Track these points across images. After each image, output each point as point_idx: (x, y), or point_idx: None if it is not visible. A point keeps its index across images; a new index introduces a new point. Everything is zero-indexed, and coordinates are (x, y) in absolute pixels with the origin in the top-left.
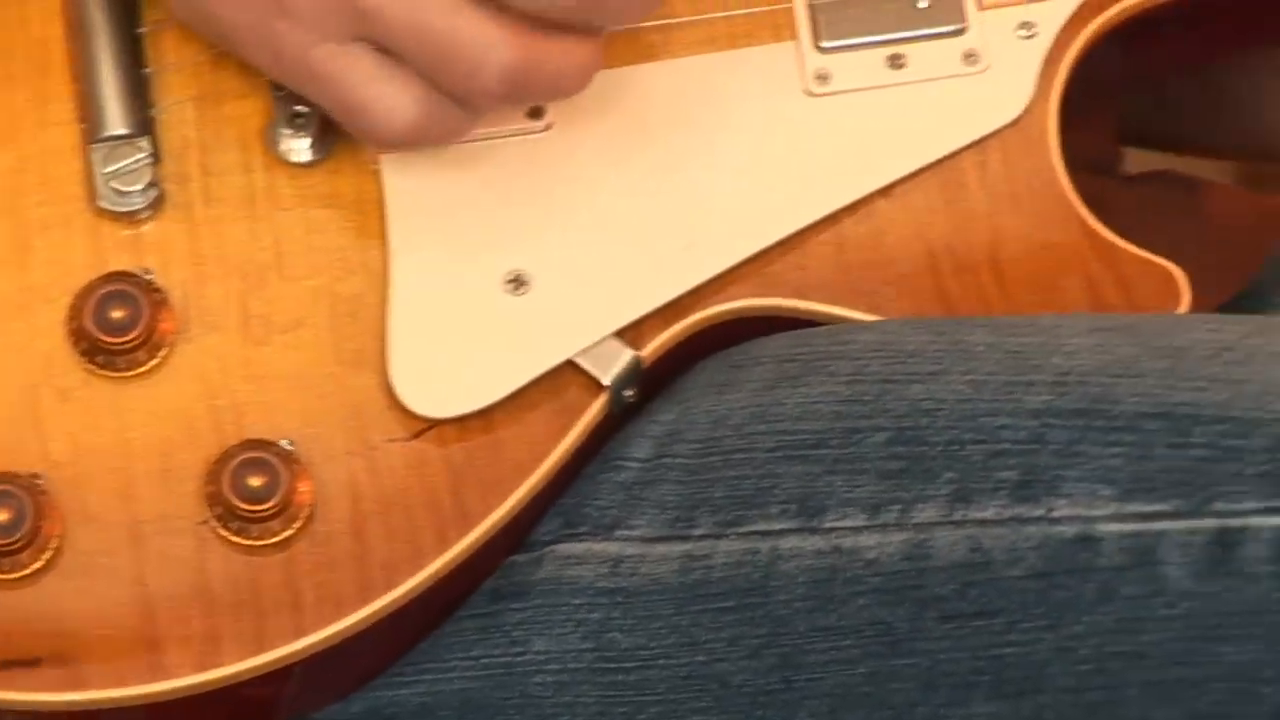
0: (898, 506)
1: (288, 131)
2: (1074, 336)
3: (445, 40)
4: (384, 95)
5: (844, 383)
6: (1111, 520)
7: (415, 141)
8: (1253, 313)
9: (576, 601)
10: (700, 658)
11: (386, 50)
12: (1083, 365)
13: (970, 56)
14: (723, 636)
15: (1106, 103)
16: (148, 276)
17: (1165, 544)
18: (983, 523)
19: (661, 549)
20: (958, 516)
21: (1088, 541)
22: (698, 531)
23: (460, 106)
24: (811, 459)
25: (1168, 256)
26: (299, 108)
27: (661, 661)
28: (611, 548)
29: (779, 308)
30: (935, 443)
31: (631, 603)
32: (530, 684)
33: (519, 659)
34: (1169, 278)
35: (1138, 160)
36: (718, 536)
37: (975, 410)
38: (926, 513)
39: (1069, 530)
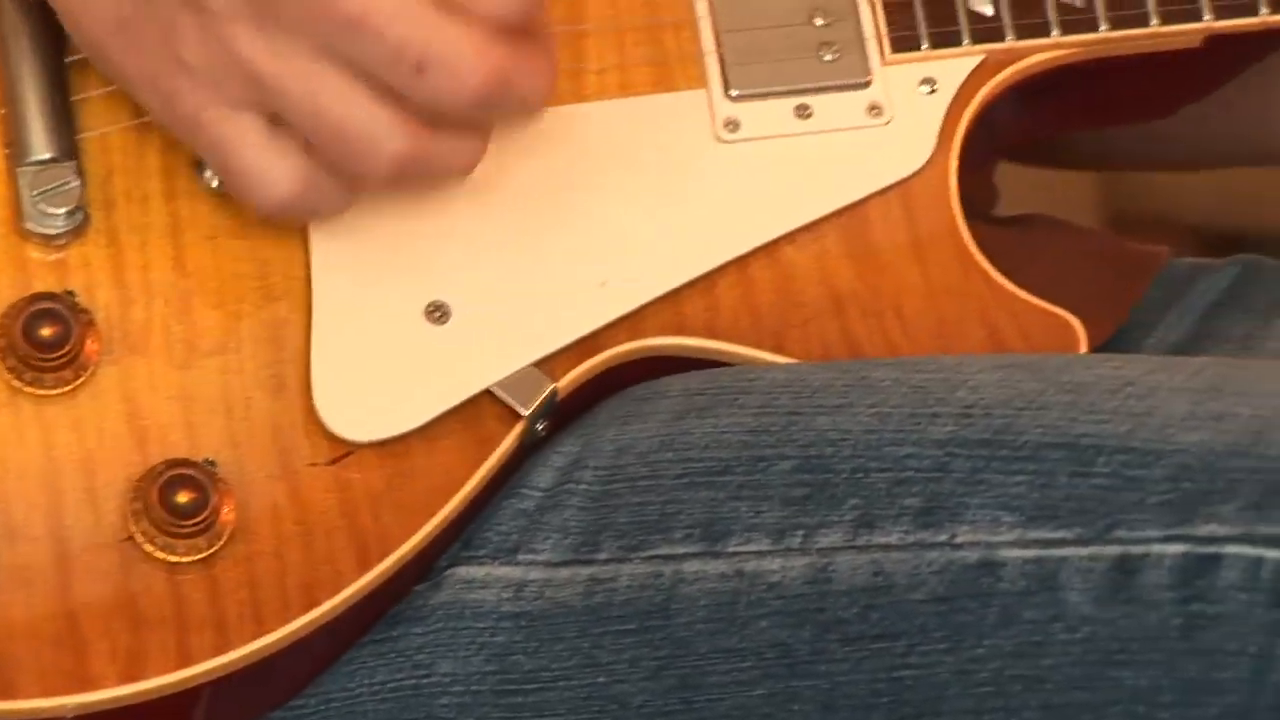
0: (801, 532)
1: None
2: (978, 372)
3: (338, 123)
4: (268, 166)
5: (751, 414)
6: (1013, 546)
7: (290, 213)
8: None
9: (480, 625)
10: (601, 679)
11: (278, 120)
12: (986, 399)
13: (874, 109)
14: (624, 658)
15: (994, 152)
16: (72, 297)
17: (1066, 570)
18: (886, 548)
19: (565, 573)
20: (861, 542)
21: (990, 567)
22: (602, 556)
23: (342, 184)
24: (717, 485)
25: (1041, 298)
26: None
27: (562, 683)
28: (514, 572)
29: (689, 347)
30: (840, 470)
31: (535, 626)
32: (435, 706)
33: (424, 681)
34: (1067, 327)
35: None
36: (621, 560)
37: (880, 440)
38: (830, 538)
39: (971, 555)
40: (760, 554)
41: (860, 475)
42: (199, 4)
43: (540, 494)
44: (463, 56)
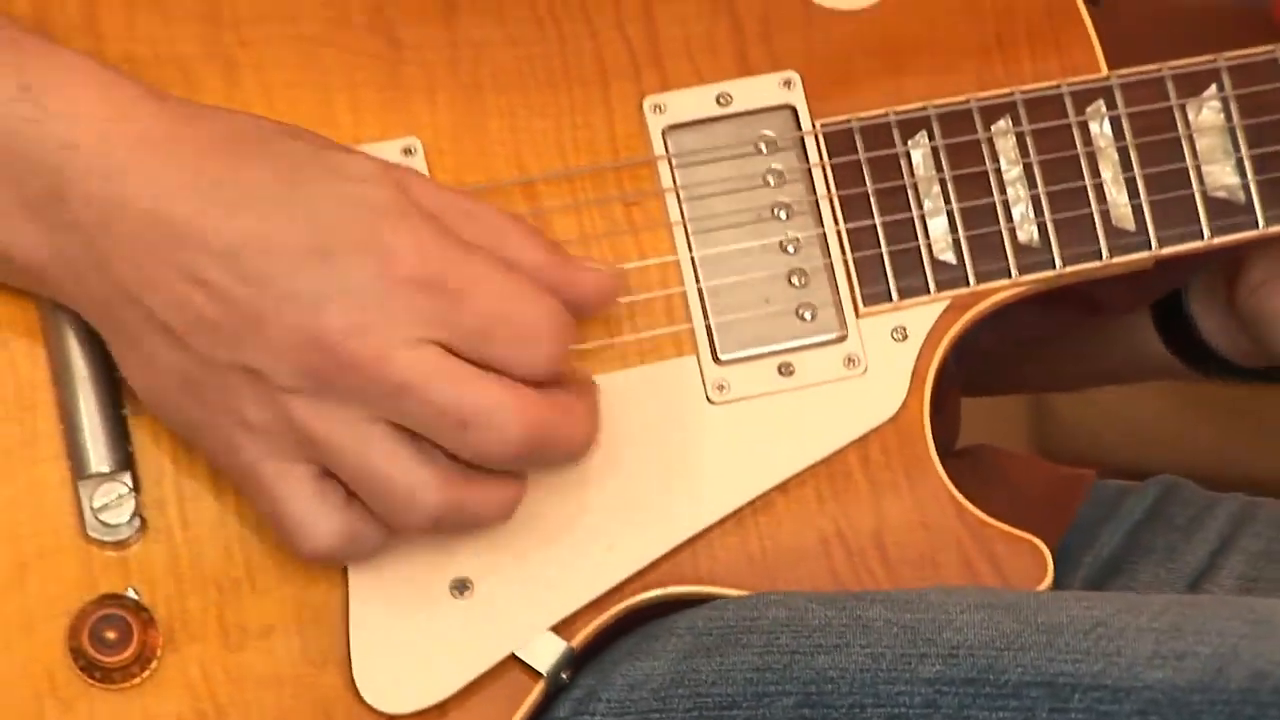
0: None
1: None
2: (962, 613)
3: (385, 480)
4: (314, 520)
5: (756, 653)
6: None
7: (332, 559)
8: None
9: None
10: None
11: (327, 472)
12: (970, 639)
13: (851, 361)
14: None
15: (956, 392)
16: (134, 597)
17: None
18: None
19: None
20: None
21: None
22: None
23: (381, 532)
24: (725, 719)
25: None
26: None
27: None
28: None
29: (693, 593)
30: (839, 706)
31: None
32: None
33: None
34: (1037, 552)
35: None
36: None
37: (875, 679)
38: None
39: None
40: None
41: (857, 710)
42: (259, 375)
43: None
44: (504, 411)
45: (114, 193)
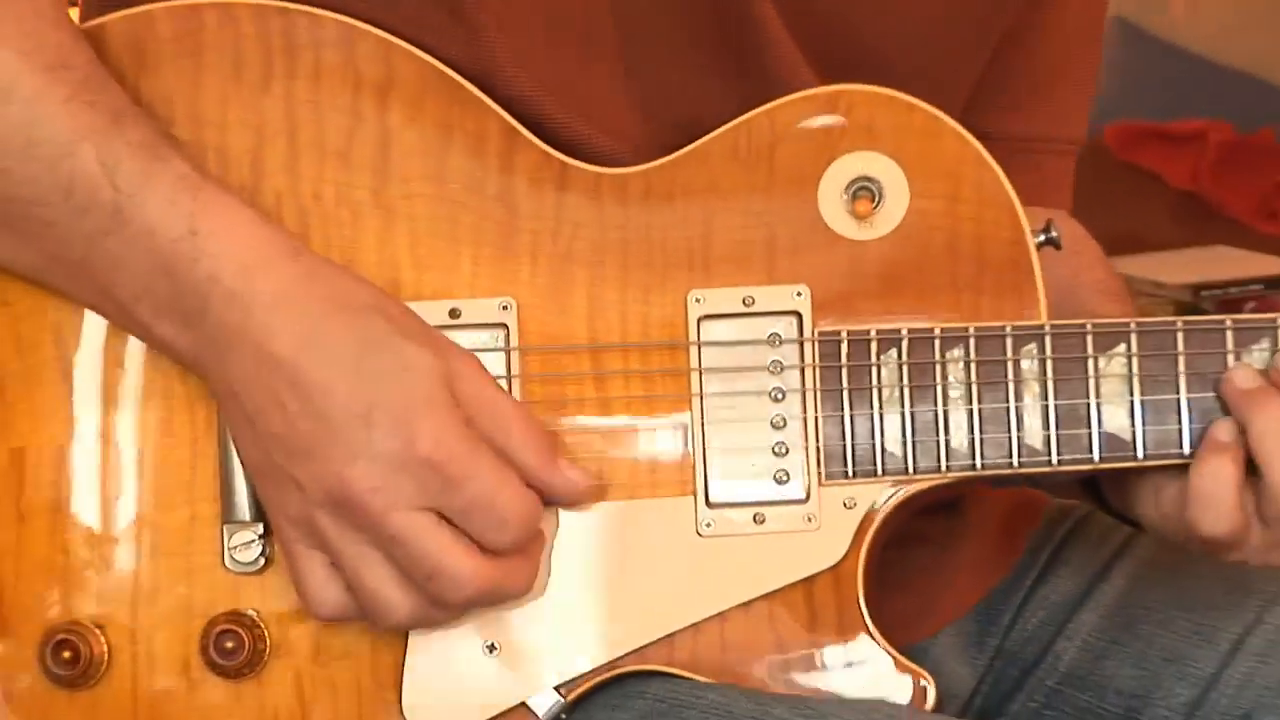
0: None
1: None
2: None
3: (370, 588)
4: (322, 595)
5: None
6: None
7: (332, 621)
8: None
9: None
10: None
11: (392, 559)
12: None
13: (809, 519)
14: None
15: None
16: (252, 615)
17: None
18: None
19: None
20: None
21: None
22: None
23: (363, 615)
24: None
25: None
26: None
27: None
28: None
29: (666, 671)
30: None
31: None
32: None
33: None
34: (920, 682)
35: None
36: None
37: None
38: None
39: None
40: None
41: None
42: (301, 486)
43: None
44: (464, 574)
45: (238, 323)
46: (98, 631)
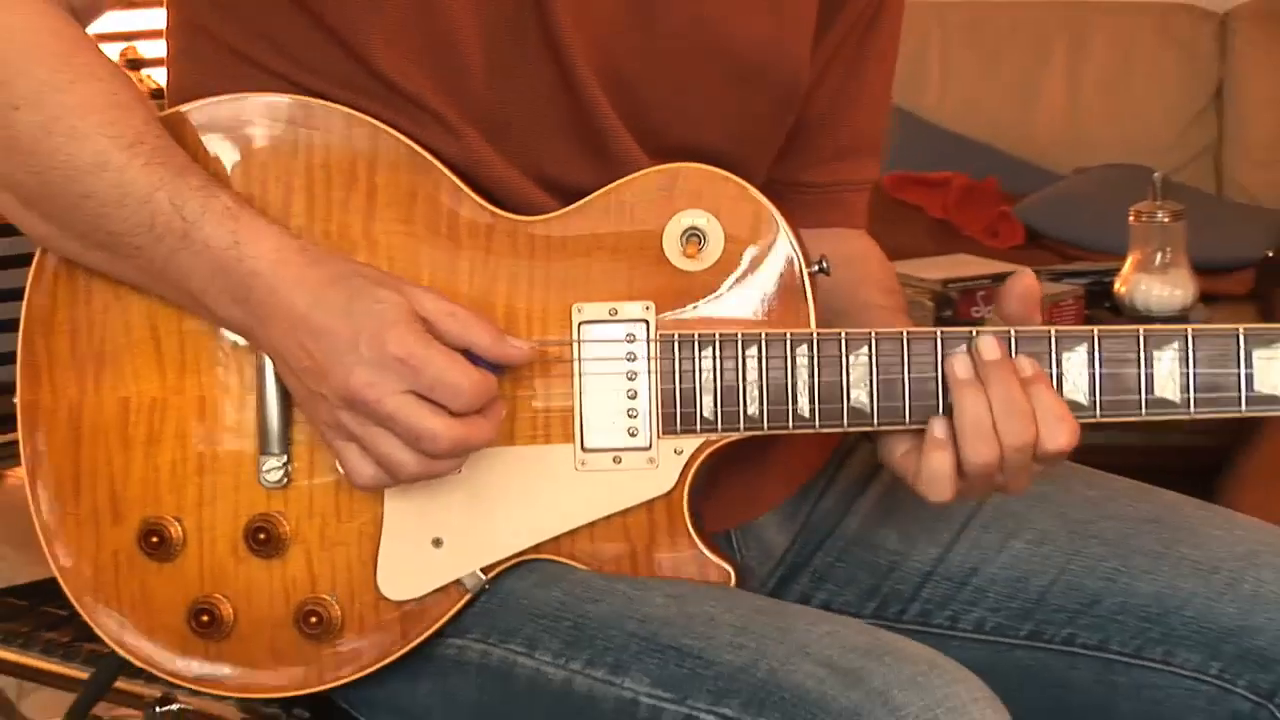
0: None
1: None
2: (658, 594)
3: (383, 451)
4: (360, 469)
5: (567, 592)
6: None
7: (372, 489)
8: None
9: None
10: None
11: (393, 431)
12: (662, 614)
13: (650, 460)
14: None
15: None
16: (278, 514)
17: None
18: None
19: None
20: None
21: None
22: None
23: (390, 480)
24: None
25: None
26: None
27: None
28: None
29: (559, 561)
30: (595, 633)
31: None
32: None
33: None
34: (725, 570)
35: None
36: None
37: (603, 623)
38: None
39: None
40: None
41: (601, 641)
42: (325, 398)
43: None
44: (439, 431)
45: (272, 300)
46: (176, 523)
